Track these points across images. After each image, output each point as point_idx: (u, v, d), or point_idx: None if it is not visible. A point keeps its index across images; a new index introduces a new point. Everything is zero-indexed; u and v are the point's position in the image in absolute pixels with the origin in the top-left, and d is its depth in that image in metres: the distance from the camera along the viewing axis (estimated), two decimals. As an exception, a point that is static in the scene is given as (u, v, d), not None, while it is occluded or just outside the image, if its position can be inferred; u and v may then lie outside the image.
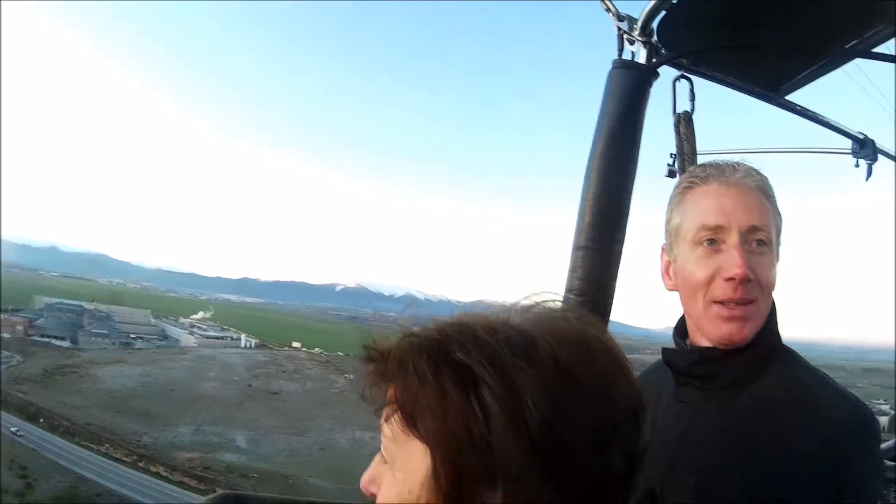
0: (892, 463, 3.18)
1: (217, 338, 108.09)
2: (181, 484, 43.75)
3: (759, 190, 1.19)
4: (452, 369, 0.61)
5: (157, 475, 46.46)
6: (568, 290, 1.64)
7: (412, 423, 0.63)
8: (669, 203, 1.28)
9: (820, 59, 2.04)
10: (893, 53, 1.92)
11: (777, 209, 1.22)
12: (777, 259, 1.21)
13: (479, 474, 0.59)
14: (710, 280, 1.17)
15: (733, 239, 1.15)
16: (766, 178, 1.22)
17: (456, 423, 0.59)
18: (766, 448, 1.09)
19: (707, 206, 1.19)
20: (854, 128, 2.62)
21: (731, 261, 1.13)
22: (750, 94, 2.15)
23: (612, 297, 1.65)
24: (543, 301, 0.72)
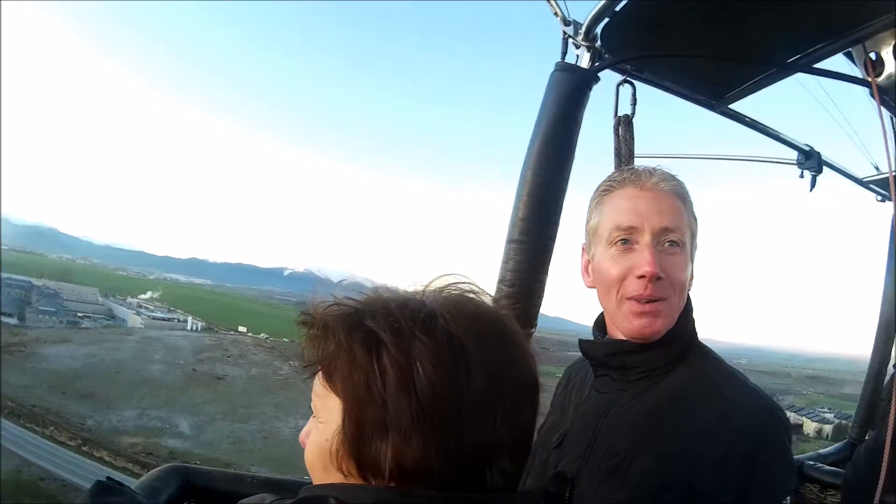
0: (833, 468, 3.31)
1: (164, 319, 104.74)
2: (124, 470, 42.01)
3: (674, 194, 1.25)
4: (362, 333, 0.69)
5: (100, 460, 45.56)
6: (500, 281, 1.71)
7: (330, 378, 0.73)
8: (590, 204, 1.35)
9: (763, 71, 2.12)
10: (835, 70, 2.00)
11: (693, 213, 1.29)
12: (691, 260, 1.27)
13: (375, 425, 0.67)
14: (623, 277, 1.24)
15: (646, 239, 1.21)
16: (682, 183, 1.29)
17: (360, 380, 0.68)
18: (674, 438, 1.15)
19: (622, 208, 1.26)
20: (802, 140, 2.71)
21: (643, 259, 1.20)
22: (693, 101, 2.23)
23: (543, 289, 1.73)
24: (456, 283, 0.80)
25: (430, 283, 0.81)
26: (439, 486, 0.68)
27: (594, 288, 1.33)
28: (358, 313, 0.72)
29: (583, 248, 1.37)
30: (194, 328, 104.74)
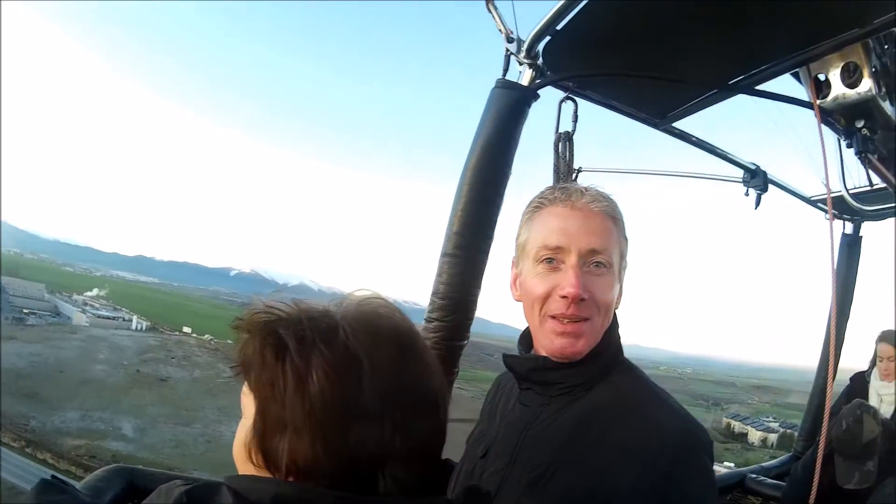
0: (775, 481, 3.39)
1: (109, 318, 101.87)
2: (68, 473, 40.37)
3: (605, 214, 1.26)
4: (274, 340, 0.77)
5: (44, 462, 44.20)
6: (433, 294, 1.74)
7: (248, 378, 0.81)
8: (521, 219, 1.36)
9: (705, 91, 2.16)
10: (781, 92, 2.03)
11: (623, 233, 1.30)
12: (619, 280, 1.29)
13: (276, 423, 0.75)
14: (547, 296, 1.25)
15: (572, 260, 1.22)
16: (614, 203, 1.30)
17: (267, 381, 0.77)
18: (594, 454, 1.17)
19: (551, 226, 1.26)
20: (759, 158, 2.78)
21: (567, 280, 1.21)
22: (636, 119, 2.27)
23: (475, 302, 1.75)
24: (372, 297, 0.88)
25: (350, 295, 0.87)
26: (331, 485, 0.74)
27: (521, 301, 1.34)
28: (275, 322, 0.79)
29: (513, 262, 1.37)
30: (139, 328, 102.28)
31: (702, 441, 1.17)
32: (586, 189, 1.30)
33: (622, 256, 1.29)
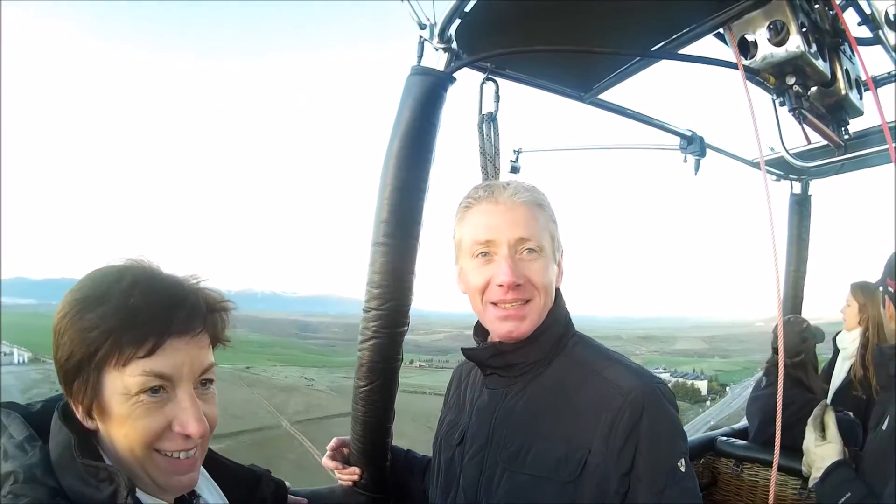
0: (746, 442, 3.47)
1: None
2: None
3: (528, 203, 1.36)
4: None
5: None
6: (368, 284, 1.75)
7: None
8: (454, 220, 1.46)
9: (627, 60, 2.20)
10: (696, 55, 2.06)
11: (551, 216, 1.41)
12: (554, 260, 1.39)
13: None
14: (486, 286, 1.36)
15: (503, 251, 1.33)
16: (536, 191, 1.41)
17: None
18: (563, 421, 1.28)
19: (479, 223, 1.37)
20: (683, 125, 2.82)
21: (500, 270, 1.32)
22: (561, 94, 2.30)
23: (411, 289, 1.77)
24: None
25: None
26: None
27: (466, 294, 1.44)
28: None
29: (456, 258, 1.48)
30: (20, 360, 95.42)
31: (661, 392, 1.27)
32: (508, 183, 1.41)
33: (553, 238, 1.40)
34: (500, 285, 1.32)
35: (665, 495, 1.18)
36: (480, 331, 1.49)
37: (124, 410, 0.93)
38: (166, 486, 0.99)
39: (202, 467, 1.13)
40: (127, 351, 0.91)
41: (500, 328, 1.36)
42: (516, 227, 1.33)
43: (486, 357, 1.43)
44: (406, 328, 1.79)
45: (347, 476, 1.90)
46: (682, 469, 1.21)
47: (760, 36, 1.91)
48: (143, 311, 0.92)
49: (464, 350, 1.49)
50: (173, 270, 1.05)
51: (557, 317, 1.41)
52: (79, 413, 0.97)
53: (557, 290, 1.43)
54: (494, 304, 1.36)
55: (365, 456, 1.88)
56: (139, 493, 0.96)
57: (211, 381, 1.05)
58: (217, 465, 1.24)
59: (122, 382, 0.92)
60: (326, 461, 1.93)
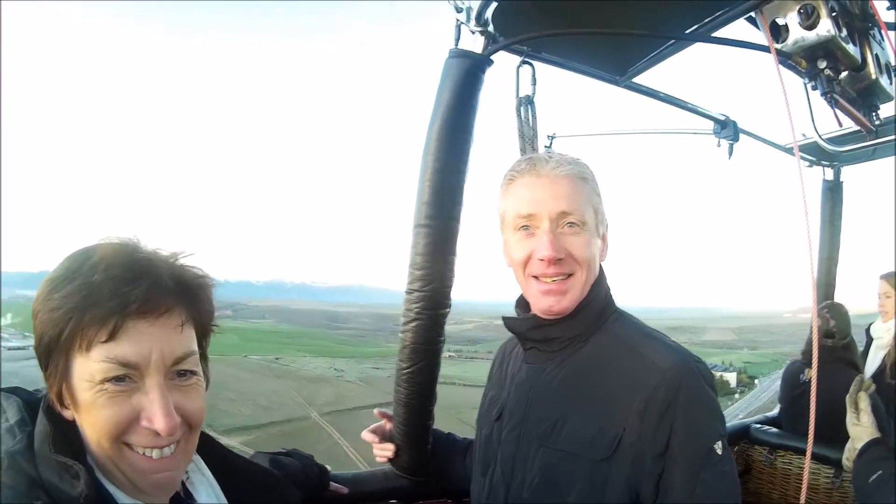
0: (779, 430, 3.45)
1: (18, 348, 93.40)
2: None
3: (571, 177, 1.35)
4: None
5: None
6: (411, 265, 1.78)
7: None
8: (499, 192, 1.46)
9: (662, 43, 2.18)
10: (730, 38, 2.04)
11: (595, 189, 1.40)
12: (597, 235, 1.38)
13: None
14: (528, 260, 1.36)
15: (544, 225, 1.33)
16: (580, 164, 1.39)
17: None
18: (599, 397, 1.27)
19: (521, 197, 1.37)
20: (717, 110, 2.80)
21: (541, 244, 1.32)
22: (596, 78, 2.29)
23: (452, 270, 1.80)
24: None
25: None
26: None
27: (511, 267, 1.45)
28: None
29: (501, 231, 1.48)
30: None
31: (699, 371, 1.26)
32: (550, 156, 1.40)
33: (596, 212, 1.38)
34: (542, 259, 1.32)
35: (701, 479, 1.16)
36: (523, 303, 1.49)
37: (89, 398, 0.86)
38: (142, 486, 0.91)
39: (206, 468, 1.08)
40: (89, 332, 0.85)
41: (541, 303, 1.36)
42: (558, 200, 1.32)
43: (526, 329, 1.43)
44: (448, 309, 1.81)
45: (382, 451, 1.93)
46: (720, 452, 1.19)
47: (791, 20, 1.90)
48: (102, 288, 0.85)
49: (505, 319, 1.49)
50: (158, 246, 0.96)
51: (598, 292, 1.40)
52: (52, 400, 0.92)
53: (600, 267, 1.42)
54: (536, 277, 1.36)
55: (407, 438, 1.91)
56: (119, 494, 0.91)
57: (192, 371, 0.95)
58: (229, 466, 1.14)
59: (87, 369, 0.86)
60: (366, 434, 1.96)
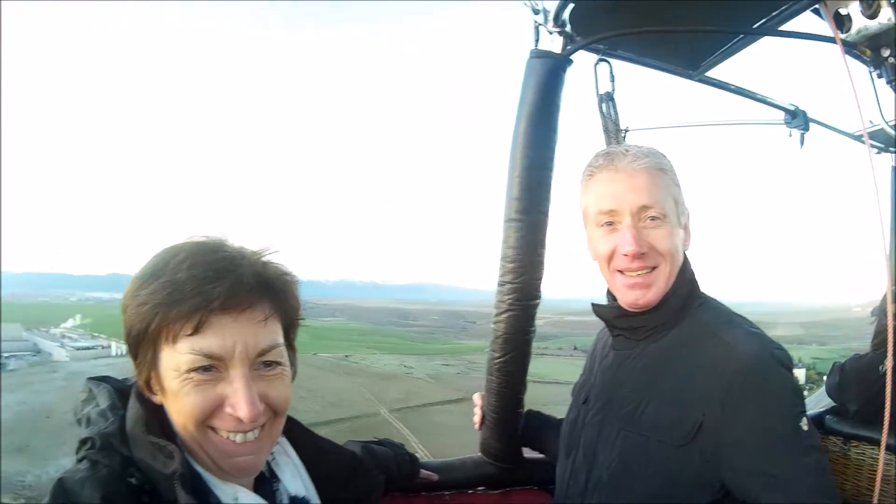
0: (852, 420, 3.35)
1: (87, 348, 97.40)
2: None
3: (649, 169, 1.38)
4: None
5: None
6: (503, 259, 1.86)
7: None
8: (580, 188, 1.51)
9: (731, 38, 2.19)
10: (797, 31, 2.04)
11: (674, 180, 1.42)
12: (679, 225, 1.41)
13: None
14: (612, 254, 1.41)
15: (626, 220, 1.37)
16: (657, 155, 1.42)
17: None
18: (679, 382, 1.31)
19: (601, 192, 1.41)
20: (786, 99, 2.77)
21: (624, 239, 1.36)
22: (671, 73, 2.31)
23: (542, 263, 1.87)
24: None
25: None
26: None
27: (595, 261, 1.49)
28: None
29: (584, 225, 1.53)
30: (119, 353, 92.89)
31: (779, 358, 1.26)
32: (627, 150, 1.42)
33: (676, 202, 1.40)
34: (625, 255, 1.36)
35: (794, 454, 1.18)
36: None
37: (176, 386, 0.91)
38: (226, 467, 0.97)
39: (292, 450, 1.14)
40: (174, 327, 0.90)
41: (627, 296, 1.40)
42: (638, 194, 1.35)
43: (612, 316, 1.49)
44: (539, 301, 1.88)
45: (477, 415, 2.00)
46: (805, 428, 1.20)
47: (853, 9, 1.92)
48: (186, 286, 0.90)
49: (593, 306, 1.55)
50: (244, 244, 1.00)
51: (683, 281, 1.42)
52: (141, 387, 0.98)
53: (685, 256, 1.44)
54: (621, 272, 1.40)
55: (498, 426, 1.98)
56: (208, 476, 0.97)
57: (276, 362, 0.99)
58: (314, 449, 1.19)
59: (174, 359, 0.91)
60: (477, 396, 2.03)
